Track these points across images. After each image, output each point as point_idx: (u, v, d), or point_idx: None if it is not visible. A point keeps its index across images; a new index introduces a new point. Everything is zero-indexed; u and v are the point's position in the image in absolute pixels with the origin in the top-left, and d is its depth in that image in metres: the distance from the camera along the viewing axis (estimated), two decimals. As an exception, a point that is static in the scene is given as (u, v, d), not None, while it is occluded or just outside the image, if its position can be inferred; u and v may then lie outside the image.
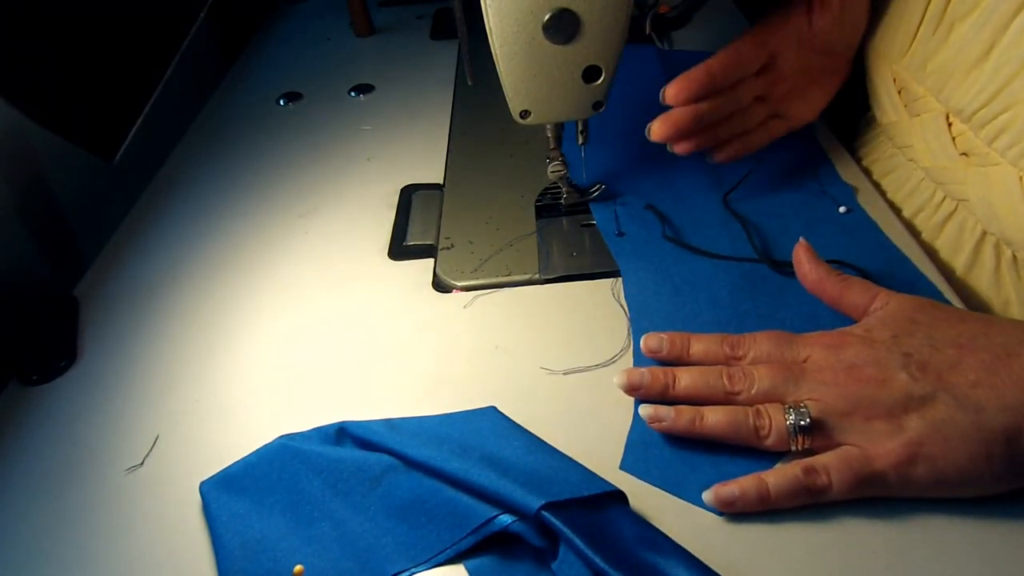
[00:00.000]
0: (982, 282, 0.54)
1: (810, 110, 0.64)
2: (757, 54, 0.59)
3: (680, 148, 0.59)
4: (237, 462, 0.45)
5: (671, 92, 0.56)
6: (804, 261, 0.50)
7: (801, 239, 0.51)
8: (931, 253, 0.57)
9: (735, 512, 0.40)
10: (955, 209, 0.56)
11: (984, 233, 0.54)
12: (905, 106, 0.59)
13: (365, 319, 0.56)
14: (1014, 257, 0.52)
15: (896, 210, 0.60)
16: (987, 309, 0.54)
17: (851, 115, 0.70)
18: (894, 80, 0.60)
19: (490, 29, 0.52)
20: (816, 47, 0.61)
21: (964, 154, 0.53)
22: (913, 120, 0.58)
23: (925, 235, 0.58)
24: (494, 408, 0.47)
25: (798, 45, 0.61)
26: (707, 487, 0.41)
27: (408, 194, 0.69)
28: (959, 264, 0.55)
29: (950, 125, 0.54)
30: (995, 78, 0.49)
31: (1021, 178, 0.49)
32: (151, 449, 0.48)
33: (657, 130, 0.57)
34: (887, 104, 0.61)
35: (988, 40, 0.49)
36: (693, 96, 0.56)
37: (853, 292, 0.47)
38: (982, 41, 0.49)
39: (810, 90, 0.63)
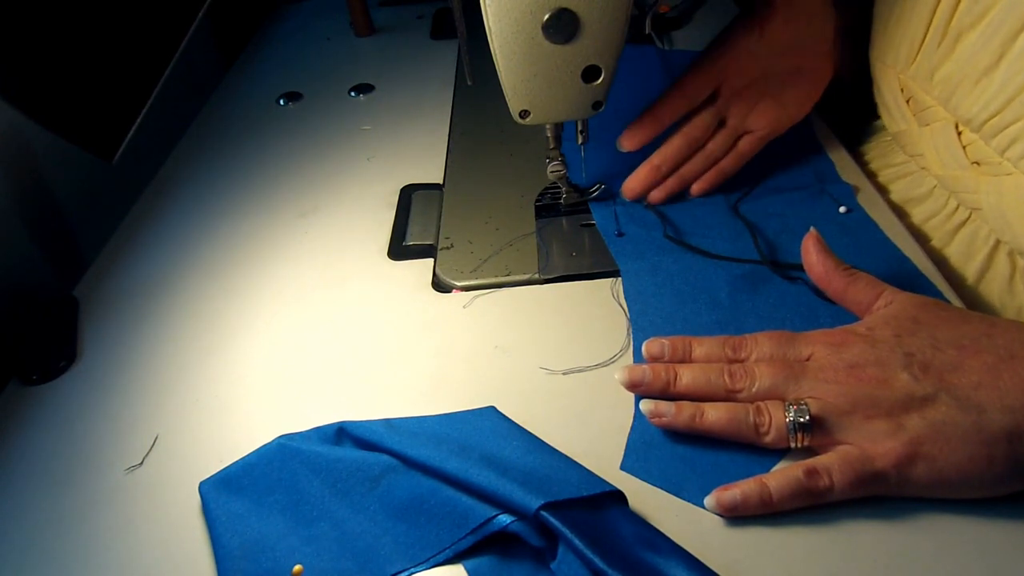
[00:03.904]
0: (994, 290, 0.54)
1: (788, 114, 0.63)
2: (702, 84, 0.61)
3: (653, 197, 0.63)
4: (236, 462, 0.45)
5: (625, 143, 0.61)
6: (812, 252, 0.50)
7: (812, 229, 0.51)
8: (942, 259, 0.56)
9: (737, 516, 0.40)
10: (968, 217, 0.55)
11: (998, 242, 0.53)
12: (914, 115, 0.59)
13: (365, 319, 0.56)
14: None
15: (905, 215, 0.60)
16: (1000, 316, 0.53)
17: (861, 121, 0.70)
18: (902, 89, 0.59)
19: (490, 29, 0.52)
20: (776, 48, 0.61)
21: (976, 163, 0.53)
22: (923, 129, 0.57)
23: (935, 241, 0.58)
24: (493, 408, 0.47)
25: (752, 57, 0.61)
26: (708, 487, 0.41)
27: (408, 194, 0.69)
28: (971, 271, 0.55)
29: (960, 134, 0.54)
30: (1006, 88, 0.48)
31: None
32: (151, 449, 0.48)
33: (629, 189, 0.62)
34: (896, 113, 0.61)
35: (997, 50, 0.48)
36: (646, 140, 0.61)
37: (858, 288, 0.47)
38: (990, 51, 0.49)
39: (785, 94, 0.62)
